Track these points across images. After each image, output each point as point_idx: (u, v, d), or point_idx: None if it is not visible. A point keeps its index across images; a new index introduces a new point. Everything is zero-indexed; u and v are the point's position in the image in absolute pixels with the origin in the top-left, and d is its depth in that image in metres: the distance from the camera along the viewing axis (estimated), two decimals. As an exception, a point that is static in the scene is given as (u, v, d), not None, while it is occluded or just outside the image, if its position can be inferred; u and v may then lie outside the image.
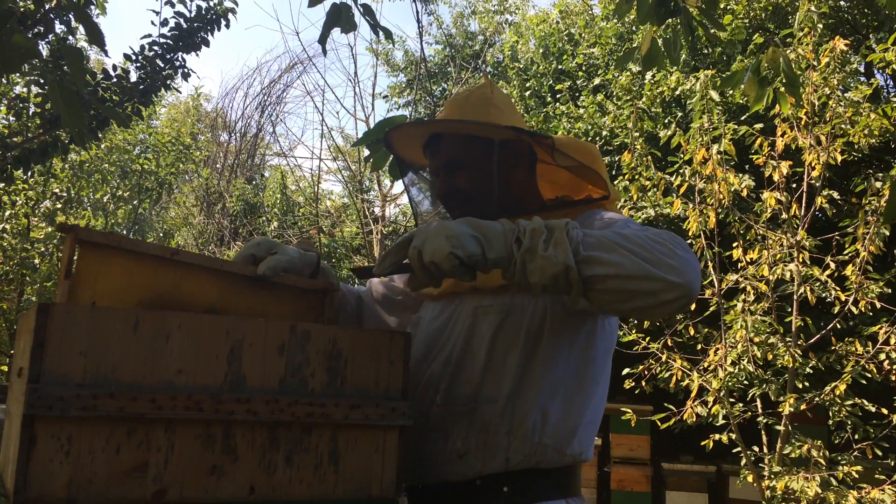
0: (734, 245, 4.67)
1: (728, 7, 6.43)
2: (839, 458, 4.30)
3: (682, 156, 4.82)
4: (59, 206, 6.76)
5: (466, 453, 1.26)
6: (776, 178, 4.53)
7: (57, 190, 6.78)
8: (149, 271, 1.20)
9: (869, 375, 4.26)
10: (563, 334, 1.28)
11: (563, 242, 1.08)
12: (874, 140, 4.51)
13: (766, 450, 4.62)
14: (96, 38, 1.72)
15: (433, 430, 1.30)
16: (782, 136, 4.62)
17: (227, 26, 5.31)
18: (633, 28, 7.27)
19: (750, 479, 4.59)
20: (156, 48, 5.09)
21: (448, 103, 1.55)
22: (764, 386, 4.45)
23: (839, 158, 4.48)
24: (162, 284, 1.21)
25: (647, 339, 4.73)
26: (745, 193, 4.68)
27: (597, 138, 7.05)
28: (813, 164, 4.53)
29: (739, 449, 4.57)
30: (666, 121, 6.34)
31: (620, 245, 1.09)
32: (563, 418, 1.27)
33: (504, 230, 1.11)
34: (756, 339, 4.39)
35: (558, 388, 1.27)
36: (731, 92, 5.70)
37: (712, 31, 2.33)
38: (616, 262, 1.08)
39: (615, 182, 5.80)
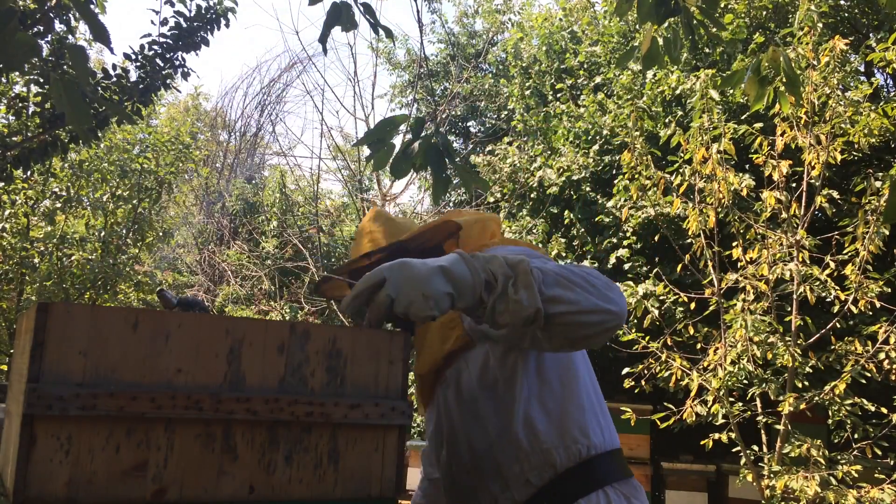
0: (734, 244, 4.67)
1: (729, 6, 6.42)
2: (838, 457, 4.30)
3: (682, 155, 4.81)
4: (58, 205, 6.75)
5: (497, 500, 1.35)
6: (776, 177, 4.53)
7: (56, 189, 6.77)
8: None
9: (868, 375, 4.26)
10: (511, 357, 1.36)
11: (530, 286, 1.15)
12: (874, 139, 4.51)
13: (765, 449, 4.62)
14: (101, 35, 1.71)
15: (466, 499, 1.40)
16: (782, 135, 4.62)
17: (227, 26, 5.30)
18: (637, 26, 7.27)
19: (749, 478, 4.60)
20: (155, 47, 5.08)
21: (354, 243, 1.65)
22: (763, 385, 4.45)
23: (839, 158, 4.48)
24: None
25: (647, 338, 4.73)
26: (744, 193, 4.68)
27: (597, 137, 7.05)
28: (813, 164, 4.53)
29: (739, 448, 4.57)
30: (666, 120, 6.34)
31: (572, 282, 1.20)
32: (550, 420, 1.33)
33: (473, 278, 1.15)
34: (756, 339, 4.39)
35: (531, 398, 1.34)
36: (731, 91, 5.70)
37: (713, 30, 2.32)
38: (574, 300, 1.19)
39: (615, 181, 5.80)
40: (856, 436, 4.24)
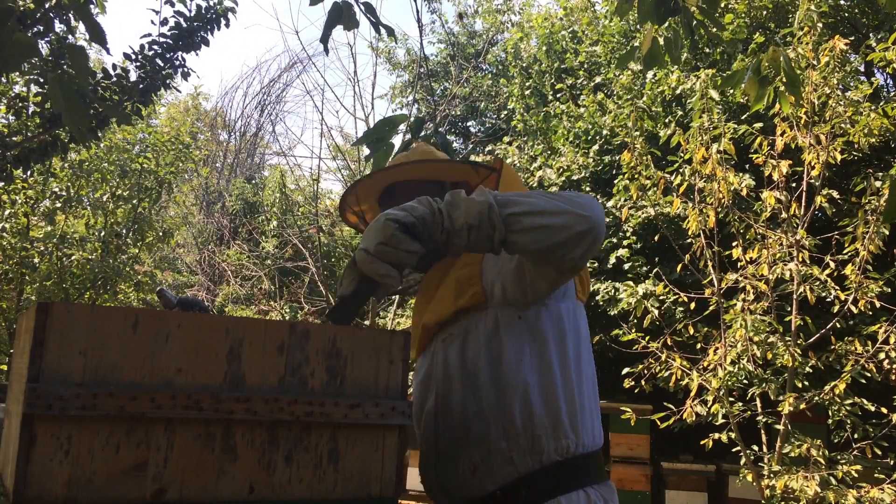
0: (734, 244, 4.67)
1: (729, 6, 6.42)
2: (838, 457, 4.30)
3: (681, 155, 4.81)
4: (58, 205, 6.75)
5: (476, 468, 1.32)
6: (776, 177, 4.53)
7: (56, 189, 6.77)
8: None
9: (868, 375, 4.26)
10: (521, 334, 1.35)
11: (483, 192, 1.20)
12: (874, 139, 4.51)
13: (765, 449, 4.62)
14: (97, 35, 1.71)
15: (446, 459, 1.37)
16: (782, 135, 4.62)
17: (227, 25, 5.30)
18: (637, 26, 7.27)
19: (749, 478, 4.59)
20: (155, 47, 5.08)
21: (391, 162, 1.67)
22: (763, 385, 4.45)
23: (839, 158, 4.48)
24: None
25: (647, 338, 4.73)
26: (744, 192, 4.67)
27: (597, 137, 7.05)
28: (813, 164, 4.53)
29: (739, 448, 4.57)
30: (666, 120, 6.34)
31: (529, 194, 1.24)
32: (547, 408, 1.31)
33: (417, 202, 1.22)
34: (756, 339, 4.39)
35: (532, 382, 1.32)
36: (731, 91, 5.70)
37: (713, 30, 2.33)
38: (529, 201, 1.20)
39: (615, 181, 5.80)
40: (856, 436, 4.24)
